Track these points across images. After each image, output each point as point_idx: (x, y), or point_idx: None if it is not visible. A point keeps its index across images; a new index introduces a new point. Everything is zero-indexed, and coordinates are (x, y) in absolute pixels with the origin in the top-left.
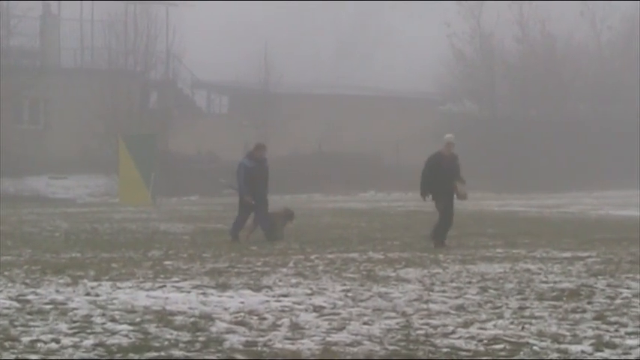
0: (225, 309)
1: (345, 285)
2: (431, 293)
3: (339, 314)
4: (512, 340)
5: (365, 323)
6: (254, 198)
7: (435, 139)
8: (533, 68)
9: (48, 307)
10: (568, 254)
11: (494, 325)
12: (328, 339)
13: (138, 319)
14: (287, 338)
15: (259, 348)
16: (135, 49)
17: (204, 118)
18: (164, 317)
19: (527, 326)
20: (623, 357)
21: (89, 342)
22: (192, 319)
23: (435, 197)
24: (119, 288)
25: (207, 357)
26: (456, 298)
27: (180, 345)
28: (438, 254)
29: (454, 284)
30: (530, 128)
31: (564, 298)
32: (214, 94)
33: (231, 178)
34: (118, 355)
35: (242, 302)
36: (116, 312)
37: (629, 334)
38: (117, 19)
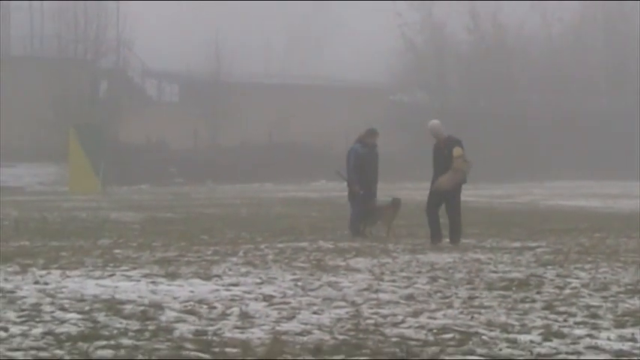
0: (175, 298)
1: (294, 274)
2: (380, 283)
3: (288, 303)
4: (461, 329)
5: (314, 312)
6: (363, 187)
7: (385, 129)
8: (484, 59)
9: None
10: (517, 244)
11: (444, 315)
12: (278, 328)
13: (87, 308)
14: (236, 327)
15: (209, 337)
16: (85, 38)
17: (154, 107)
18: (113, 306)
19: (476, 316)
20: (572, 347)
21: (38, 330)
22: (141, 308)
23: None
24: (68, 276)
25: (156, 346)
26: (406, 287)
27: (130, 334)
28: (388, 244)
29: (404, 274)
30: (480, 119)
31: (513, 288)
32: (165, 82)
33: (180, 166)
34: (67, 344)
35: (192, 291)
36: (65, 300)
37: (577, 323)
38: (67, 6)
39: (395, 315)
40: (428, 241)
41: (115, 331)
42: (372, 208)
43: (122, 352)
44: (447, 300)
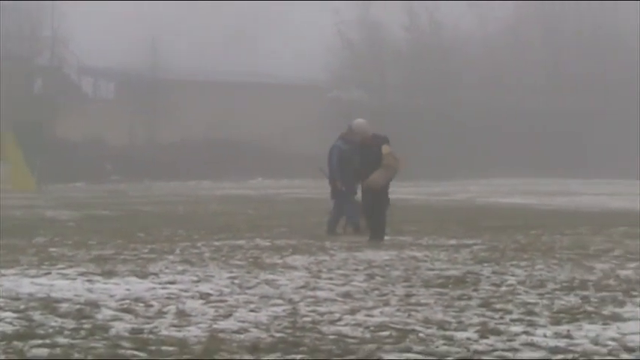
0: (111, 296)
1: (231, 272)
2: (318, 280)
3: (225, 301)
4: (398, 327)
5: (252, 310)
6: (344, 184)
7: (322, 126)
8: (422, 57)
9: None
10: (454, 242)
11: (381, 313)
12: (215, 326)
13: (22, 307)
14: (173, 325)
15: (145, 335)
16: (20, 35)
17: (90, 104)
18: (49, 304)
19: (413, 313)
20: (508, 343)
21: None
22: (77, 307)
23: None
24: (3, 275)
25: (92, 344)
26: (343, 285)
27: (66, 332)
28: (325, 241)
29: (341, 271)
30: (418, 117)
31: (450, 286)
32: (101, 79)
33: (116, 164)
34: (2, 343)
35: (128, 289)
36: (0, 299)
37: (513, 320)
38: (1, 4)
39: (332, 313)
40: (365, 239)
41: (51, 330)
42: (355, 202)
43: (58, 350)
44: (384, 297)
